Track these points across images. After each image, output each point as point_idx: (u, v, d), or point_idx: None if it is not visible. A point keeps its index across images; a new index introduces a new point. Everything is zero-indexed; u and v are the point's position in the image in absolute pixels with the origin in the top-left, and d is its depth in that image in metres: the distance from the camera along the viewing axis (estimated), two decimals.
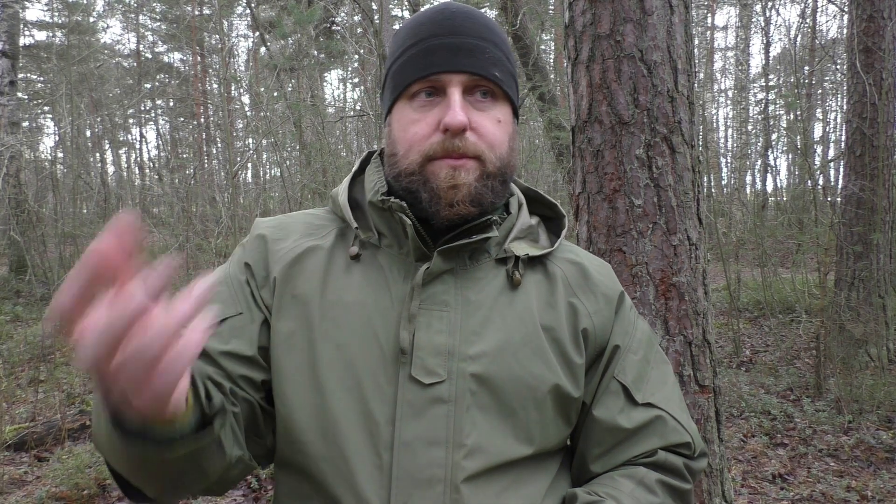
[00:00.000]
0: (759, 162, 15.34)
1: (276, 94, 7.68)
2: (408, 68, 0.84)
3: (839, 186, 6.03)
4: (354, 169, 0.97)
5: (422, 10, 0.92)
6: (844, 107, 6.13)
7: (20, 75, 12.34)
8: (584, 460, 0.91)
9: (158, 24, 23.00)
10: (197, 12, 19.17)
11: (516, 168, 0.90)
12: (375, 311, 0.84)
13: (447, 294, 0.85)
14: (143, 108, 21.74)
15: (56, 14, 17.95)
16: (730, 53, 23.08)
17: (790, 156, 15.58)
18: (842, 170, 5.59)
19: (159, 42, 23.66)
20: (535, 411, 0.84)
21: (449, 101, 0.82)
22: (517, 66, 0.93)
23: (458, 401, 0.80)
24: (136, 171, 21.30)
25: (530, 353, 0.84)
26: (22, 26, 10.58)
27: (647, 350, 0.94)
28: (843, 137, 5.97)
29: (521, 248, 0.90)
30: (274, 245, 0.90)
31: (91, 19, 16.96)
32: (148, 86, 20.40)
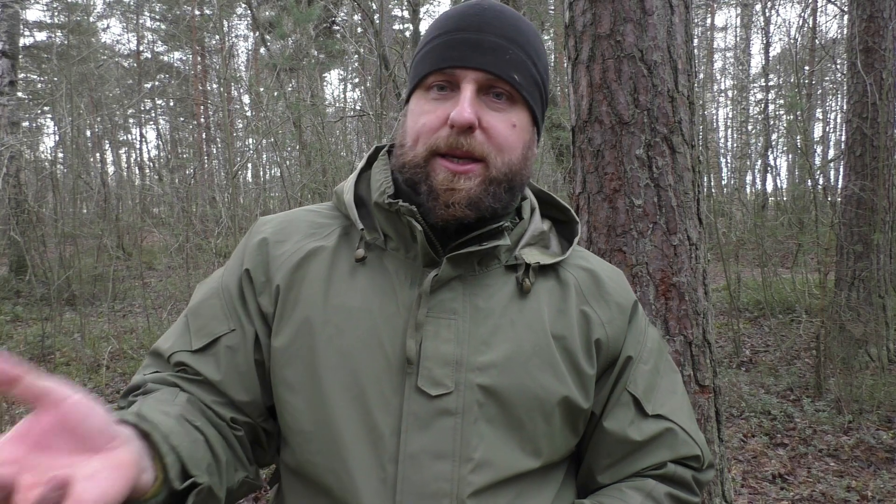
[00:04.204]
0: (759, 162, 15.32)
1: (276, 94, 7.68)
2: (427, 59, 0.83)
3: (839, 186, 6.03)
4: (361, 165, 0.94)
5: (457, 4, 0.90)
6: (844, 107, 6.12)
7: (20, 75, 12.34)
8: (592, 471, 0.90)
9: (158, 24, 23.00)
10: (197, 12, 19.16)
11: (527, 177, 0.86)
12: (381, 318, 0.81)
13: (455, 301, 0.82)
14: (143, 108, 21.73)
15: (56, 14, 17.95)
16: (730, 53, 23.07)
17: (790, 156, 15.58)
18: (842, 170, 5.58)
19: (159, 42, 23.67)
20: (543, 423, 0.81)
21: (460, 97, 0.79)
22: (547, 73, 0.87)
23: (466, 413, 0.78)
24: (136, 171, 21.30)
25: (540, 364, 0.82)
26: (22, 26, 10.58)
27: (658, 359, 0.92)
28: (843, 137, 5.97)
29: (532, 256, 0.87)
30: (275, 249, 0.87)
31: (91, 19, 16.95)
32: (148, 86, 20.40)
